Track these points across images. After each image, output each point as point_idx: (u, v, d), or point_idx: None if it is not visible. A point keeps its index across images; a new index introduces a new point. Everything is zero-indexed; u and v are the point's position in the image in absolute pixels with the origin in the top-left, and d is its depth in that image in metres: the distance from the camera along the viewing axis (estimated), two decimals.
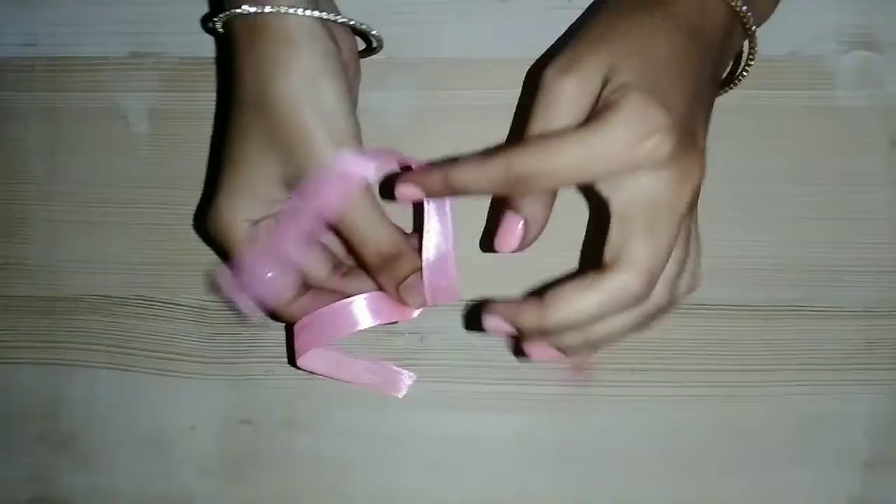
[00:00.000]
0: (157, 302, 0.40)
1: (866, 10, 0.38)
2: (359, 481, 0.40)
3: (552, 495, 0.40)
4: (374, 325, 0.34)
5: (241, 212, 0.33)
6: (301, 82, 0.31)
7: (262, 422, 0.40)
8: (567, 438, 0.40)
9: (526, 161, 0.28)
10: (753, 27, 0.32)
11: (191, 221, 0.40)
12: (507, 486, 0.40)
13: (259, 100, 0.32)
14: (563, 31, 0.39)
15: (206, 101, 0.39)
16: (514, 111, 0.39)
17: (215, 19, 0.33)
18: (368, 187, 0.33)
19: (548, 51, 0.38)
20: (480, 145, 0.38)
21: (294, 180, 0.32)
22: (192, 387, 0.40)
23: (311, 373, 0.36)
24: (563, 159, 0.28)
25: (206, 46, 0.39)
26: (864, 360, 0.39)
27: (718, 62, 0.32)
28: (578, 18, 0.38)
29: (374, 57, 0.38)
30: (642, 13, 0.30)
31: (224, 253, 0.34)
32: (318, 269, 0.35)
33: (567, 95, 0.29)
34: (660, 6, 0.31)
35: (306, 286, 0.35)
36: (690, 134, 0.29)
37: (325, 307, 0.34)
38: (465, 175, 0.30)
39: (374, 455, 0.40)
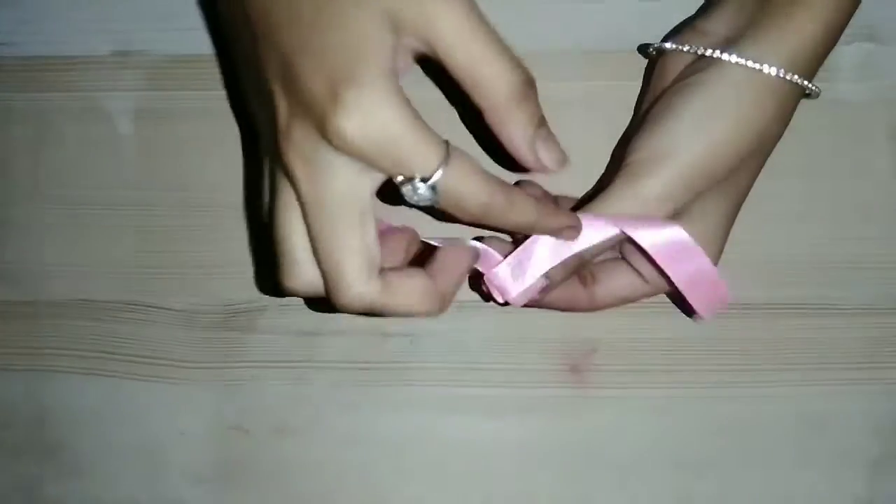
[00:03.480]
0: (145, 306, 0.40)
1: (867, 1, 0.37)
2: (352, 487, 0.40)
3: (550, 499, 0.40)
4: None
5: (391, 82, 0.26)
6: None
7: (253, 427, 0.40)
8: (565, 441, 0.39)
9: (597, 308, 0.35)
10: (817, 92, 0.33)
11: (179, 223, 0.39)
12: (504, 490, 0.40)
13: None
14: (555, 25, 0.38)
15: (193, 99, 0.39)
16: None
17: None
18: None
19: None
20: (472, 143, 0.38)
21: (400, 20, 0.26)
22: (181, 392, 0.40)
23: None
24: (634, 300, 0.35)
25: (192, 44, 0.39)
26: (868, 359, 0.39)
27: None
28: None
29: None
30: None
31: (384, 163, 0.27)
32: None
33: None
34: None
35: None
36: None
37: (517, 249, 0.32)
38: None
39: (367, 460, 0.40)
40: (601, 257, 0.35)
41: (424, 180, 0.27)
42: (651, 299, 0.37)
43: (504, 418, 0.39)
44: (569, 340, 0.39)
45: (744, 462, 0.39)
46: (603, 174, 0.38)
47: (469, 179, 0.27)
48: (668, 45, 0.34)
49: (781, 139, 0.38)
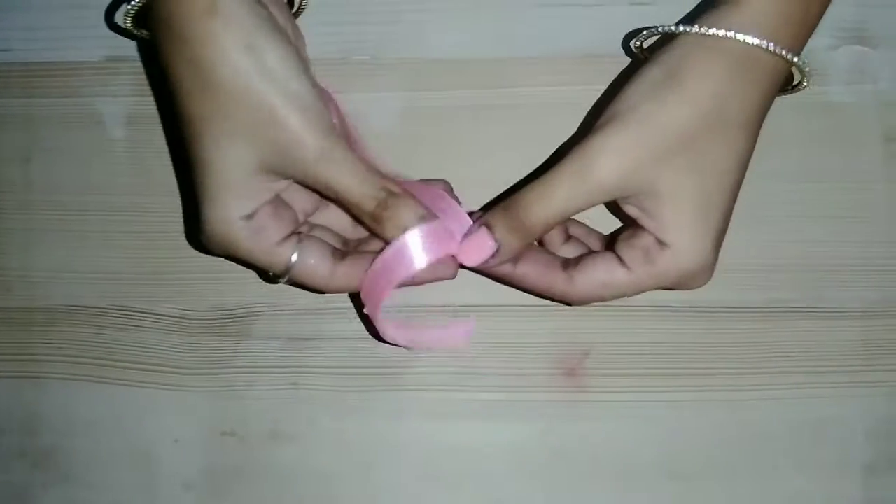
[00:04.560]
0: (137, 312, 0.39)
1: (859, 3, 0.38)
2: (346, 493, 0.39)
3: None
4: (430, 261, 0.33)
5: (232, 215, 0.31)
6: (240, 51, 0.29)
7: (246, 433, 0.39)
8: (561, 446, 0.39)
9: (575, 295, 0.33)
10: (808, 70, 0.32)
11: (171, 228, 0.39)
12: (500, 495, 0.39)
13: (204, 84, 0.30)
14: (549, 30, 0.38)
15: None
16: (500, 111, 0.38)
17: (125, 16, 0.32)
18: (336, 125, 0.32)
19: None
20: (467, 146, 0.38)
21: (272, 160, 0.31)
22: (174, 399, 0.39)
23: (394, 345, 0.36)
24: (614, 292, 0.33)
25: None
26: (864, 362, 0.39)
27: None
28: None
29: (358, 57, 0.38)
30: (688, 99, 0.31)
31: (238, 260, 0.33)
32: (329, 238, 0.35)
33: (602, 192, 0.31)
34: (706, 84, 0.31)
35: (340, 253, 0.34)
36: (717, 258, 0.33)
37: (377, 259, 0.33)
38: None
39: (362, 466, 0.39)
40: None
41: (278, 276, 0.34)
42: (646, 303, 0.37)
43: (498, 423, 0.39)
44: (563, 344, 0.39)
45: (740, 467, 0.39)
46: None
47: (313, 275, 0.33)
48: (644, 32, 0.34)
49: (774, 143, 0.38)
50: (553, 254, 0.35)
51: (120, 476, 0.40)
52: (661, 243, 0.32)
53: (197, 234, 0.33)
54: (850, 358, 0.39)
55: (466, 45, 0.38)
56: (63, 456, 0.40)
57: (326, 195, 0.32)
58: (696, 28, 0.31)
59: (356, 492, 0.39)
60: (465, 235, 0.33)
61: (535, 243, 0.35)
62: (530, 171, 0.38)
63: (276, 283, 0.34)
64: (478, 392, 0.39)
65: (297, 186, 0.33)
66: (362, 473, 0.39)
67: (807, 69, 0.32)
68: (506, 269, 0.34)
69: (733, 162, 0.32)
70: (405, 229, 0.32)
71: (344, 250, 0.34)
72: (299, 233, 0.34)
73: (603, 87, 0.38)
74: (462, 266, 0.34)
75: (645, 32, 0.34)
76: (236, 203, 0.31)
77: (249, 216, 0.32)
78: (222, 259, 0.38)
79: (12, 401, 0.40)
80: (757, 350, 0.39)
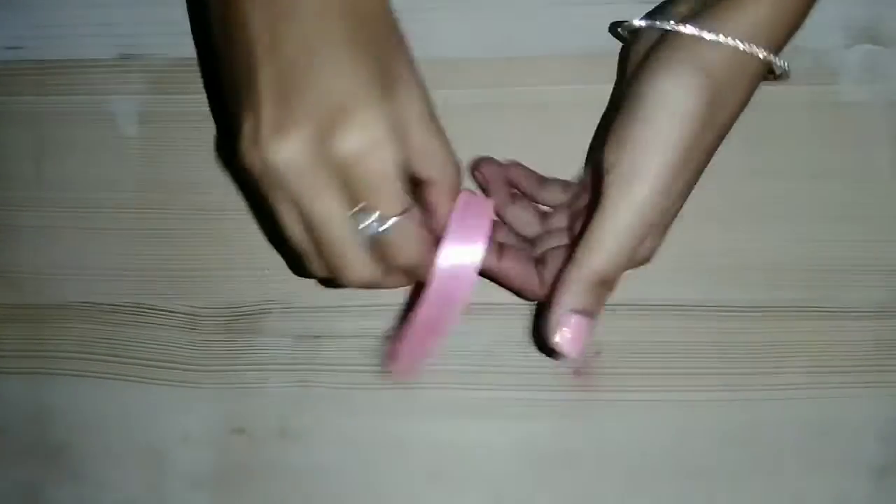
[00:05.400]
0: (148, 309, 0.39)
1: (871, 3, 0.38)
2: (355, 490, 0.39)
3: (554, 503, 0.39)
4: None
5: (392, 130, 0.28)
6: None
7: (255, 431, 0.39)
8: (570, 445, 0.39)
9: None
10: (787, 69, 0.32)
11: (183, 226, 0.39)
12: (509, 494, 0.39)
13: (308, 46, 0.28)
14: (555, 28, 0.38)
15: (197, 102, 0.39)
16: (505, 110, 0.38)
17: None
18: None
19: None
20: (472, 145, 0.38)
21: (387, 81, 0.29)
22: (184, 396, 0.39)
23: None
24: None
25: (195, 48, 0.39)
26: (874, 362, 0.38)
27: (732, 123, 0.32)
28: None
29: None
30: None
31: (357, 188, 0.29)
32: None
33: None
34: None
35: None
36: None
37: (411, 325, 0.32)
38: None
39: (370, 463, 0.39)
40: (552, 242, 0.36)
41: (381, 218, 0.29)
42: (657, 302, 0.37)
43: (508, 422, 0.39)
44: None
45: (749, 466, 0.39)
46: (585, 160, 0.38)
47: (413, 239, 0.30)
48: (635, 22, 0.33)
49: (785, 142, 0.38)
50: (523, 247, 0.36)
51: (130, 472, 0.40)
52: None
53: (326, 137, 0.28)
54: (860, 358, 0.38)
55: (471, 45, 0.38)
56: (73, 452, 0.40)
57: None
58: (701, 32, 0.30)
59: (365, 489, 0.39)
60: (562, 326, 0.32)
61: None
62: (543, 169, 0.38)
63: (356, 241, 0.30)
64: (487, 390, 0.39)
65: None
66: (371, 471, 0.39)
67: (789, 71, 0.32)
68: (490, 261, 0.34)
69: (704, 162, 0.32)
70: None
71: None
72: None
73: (607, 87, 0.38)
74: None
75: (630, 24, 0.33)
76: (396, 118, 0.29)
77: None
78: (233, 257, 0.39)
79: (23, 397, 0.40)
80: (767, 350, 0.38)
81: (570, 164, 0.38)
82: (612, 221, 0.31)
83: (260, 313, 0.39)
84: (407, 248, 0.31)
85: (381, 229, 0.30)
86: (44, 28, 0.39)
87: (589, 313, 0.31)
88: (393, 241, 0.30)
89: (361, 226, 0.29)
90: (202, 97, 0.39)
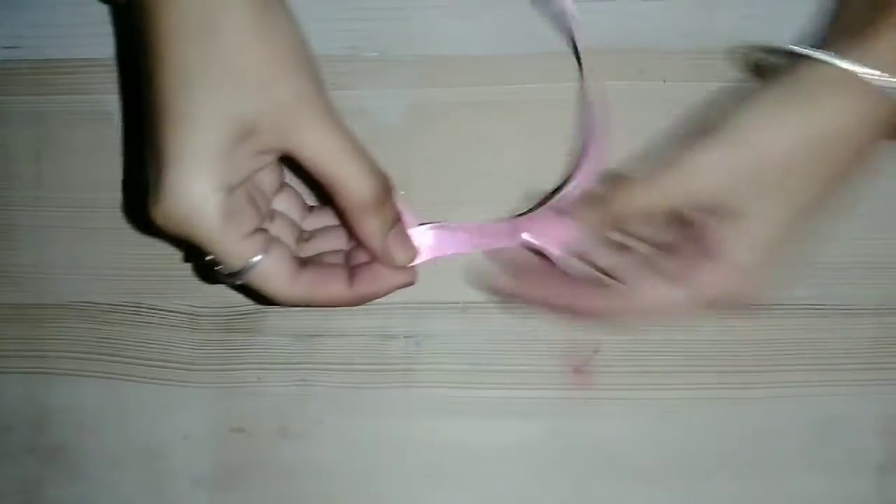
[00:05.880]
0: (147, 308, 0.39)
1: None
2: (354, 490, 0.39)
3: (554, 502, 0.39)
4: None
5: (209, 185, 0.27)
6: (253, 3, 0.27)
7: (255, 430, 0.39)
8: (571, 444, 0.39)
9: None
10: None
11: None
12: (508, 494, 0.39)
13: (206, 28, 0.27)
14: (557, 28, 0.38)
15: None
16: (508, 107, 0.38)
17: None
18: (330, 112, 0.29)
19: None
20: (475, 143, 0.38)
21: (272, 120, 0.27)
22: (184, 395, 0.39)
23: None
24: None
25: None
26: (876, 360, 0.38)
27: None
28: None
29: (367, 54, 0.38)
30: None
31: (191, 244, 0.29)
32: (287, 235, 0.32)
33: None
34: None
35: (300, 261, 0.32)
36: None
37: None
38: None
39: (370, 463, 0.39)
40: None
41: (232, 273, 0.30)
42: None
43: (507, 420, 0.39)
44: (573, 341, 0.39)
45: (751, 465, 0.39)
46: None
47: (273, 280, 0.30)
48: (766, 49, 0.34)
49: None
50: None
51: (129, 472, 0.40)
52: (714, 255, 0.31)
53: (153, 203, 0.28)
54: (862, 356, 0.38)
55: (475, 42, 0.38)
56: (72, 452, 0.40)
57: (317, 173, 0.29)
58: (826, 57, 0.29)
59: (364, 489, 0.39)
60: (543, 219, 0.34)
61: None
62: (538, 167, 0.38)
63: (220, 282, 0.31)
64: (487, 389, 0.39)
65: (267, 168, 0.31)
66: (370, 470, 0.39)
67: None
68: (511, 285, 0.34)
69: (816, 204, 0.31)
70: (392, 225, 0.31)
71: (303, 258, 0.32)
72: (264, 230, 0.31)
73: (610, 83, 0.38)
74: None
75: (767, 49, 0.33)
76: (218, 170, 0.27)
77: (229, 190, 0.28)
78: None
79: (22, 397, 0.40)
80: (769, 347, 0.38)
81: (565, 161, 0.38)
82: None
83: (259, 312, 0.39)
84: (272, 293, 0.30)
85: (233, 281, 0.30)
86: (42, 27, 0.39)
87: (568, 215, 0.32)
88: (255, 287, 0.30)
89: (224, 277, 0.30)
90: None
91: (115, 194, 0.39)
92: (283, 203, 0.33)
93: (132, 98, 0.38)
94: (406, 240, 0.32)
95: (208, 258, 0.30)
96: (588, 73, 0.36)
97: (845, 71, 0.29)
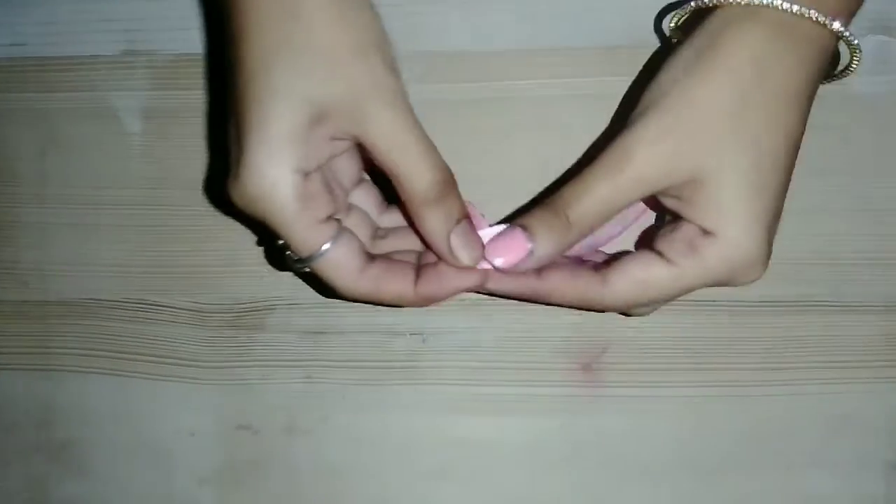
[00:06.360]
0: (153, 305, 0.39)
1: None
2: (361, 487, 0.39)
3: (561, 499, 0.39)
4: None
5: (287, 166, 0.28)
6: None
7: (261, 427, 0.39)
8: (578, 442, 0.39)
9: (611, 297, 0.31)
10: (856, 42, 0.30)
11: (187, 222, 0.39)
12: (515, 491, 0.39)
13: (291, 10, 0.27)
14: (564, 21, 0.38)
15: (201, 99, 0.39)
16: (514, 103, 0.38)
17: None
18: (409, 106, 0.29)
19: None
20: (481, 139, 0.38)
21: (348, 105, 0.28)
22: (190, 392, 0.39)
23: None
24: (656, 291, 0.31)
25: (200, 43, 0.39)
26: (887, 357, 0.38)
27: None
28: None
29: None
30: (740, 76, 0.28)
31: (265, 227, 0.29)
32: (361, 229, 0.32)
33: (648, 180, 0.29)
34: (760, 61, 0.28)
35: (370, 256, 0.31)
36: (770, 247, 0.30)
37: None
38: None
39: (376, 460, 0.39)
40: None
41: (300, 258, 0.30)
42: None
43: (515, 417, 0.39)
44: (581, 339, 0.38)
45: (759, 462, 0.38)
46: None
47: (340, 270, 0.30)
48: (678, 10, 0.32)
49: None
50: (579, 259, 0.33)
51: (135, 469, 0.40)
52: (705, 232, 0.29)
53: (231, 182, 0.29)
54: (871, 353, 0.38)
55: (476, 38, 0.38)
56: (78, 449, 0.40)
57: (382, 161, 0.29)
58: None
59: (370, 486, 0.39)
60: (498, 235, 0.31)
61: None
62: (544, 163, 0.38)
63: (289, 269, 0.31)
64: (494, 386, 0.39)
65: (344, 157, 0.31)
66: (376, 467, 0.39)
67: (854, 42, 0.30)
68: (531, 283, 0.31)
69: (780, 138, 0.29)
70: (456, 221, 0.30)
71: (374, 254, 0.32)
72: (338, 220, 0.31)
73: (618, 79, 0.38)
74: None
75: (679, 10, 0.32)
76: (295, 153, 0.28)
77: (306, 173, 0.28)
78: (238, 253, 0.39)
79: (28, 394, 0.40)
80: (777, 345, 0.38)
81: (570, 158, 0.38)
82: (606, 176, 0.30)
83: (265, 309, 0.39)
84: (339, 284, 0.30)
85: (301, 267, 0.30)
86: (47, 24, 0.39)
87: (526, 230, 0.30)
88: (321, 276, 0.30)
89: (292, 263, 0.30)
90: (206, 93, 0.39)
91: (120, 191, 0.39)
92: (360, 197, 0.33)
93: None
94: (472, 238, 0.31)
95: (280, 243, 0.30)
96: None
97: (753, 5, 0.28)
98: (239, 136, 0.28)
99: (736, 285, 0.31)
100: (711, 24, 0.30)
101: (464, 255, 0.30)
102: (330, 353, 0.39)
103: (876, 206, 0.38)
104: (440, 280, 0.31)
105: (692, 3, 0.30)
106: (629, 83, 0.37)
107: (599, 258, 0.34)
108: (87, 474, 0.40)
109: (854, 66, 0.32)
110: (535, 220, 0.30)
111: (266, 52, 0.28)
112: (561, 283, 0.31)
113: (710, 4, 0.30)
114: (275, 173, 0.28)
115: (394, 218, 0.34)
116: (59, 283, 0.40)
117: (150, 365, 0.39)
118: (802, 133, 0.30)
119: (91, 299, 0.40)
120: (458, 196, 0.31)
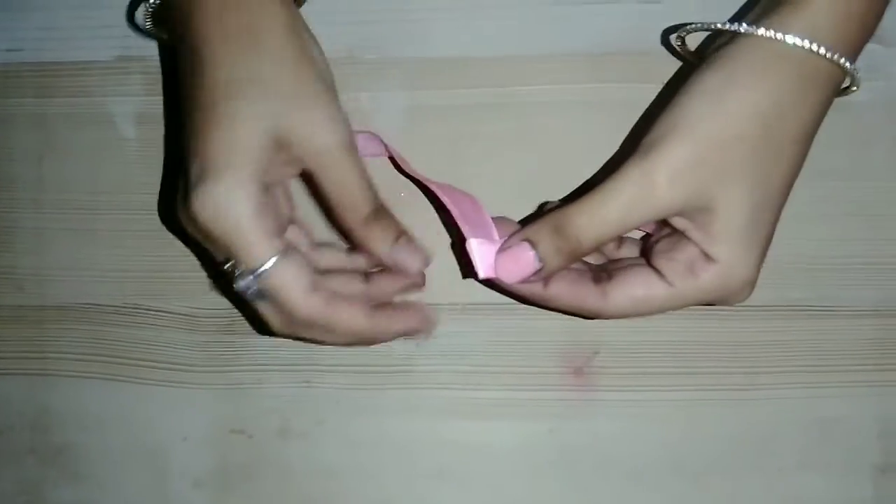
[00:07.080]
0: (148, 310, 0.40)
1: None
2: (355, 490, 0.39)
3: (554, 502, 0.39)
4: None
5: (247, 182, 0.29)
6: (289, 28, 0.30)
7: (255, 431, 0.39)
8: (570, 445, 0.39)
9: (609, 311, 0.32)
10: (858, 76, 0.31)
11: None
12: (508, 495, 0.39)
13: (252, 45, 0.30)
14: (556, 28, 0.38)
15: None
16: (506, 110, 0.38)
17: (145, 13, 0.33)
18: (352, 140, 0.31)
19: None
20: (473, 145, 0.38)
21: (298, 135, 0.30)
22: (184, 396, 0.39)
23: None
24: (652, 307, 0.32)
25: None
26: (875, 361, 0.38)
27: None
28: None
29: (365, 56, 0.38)
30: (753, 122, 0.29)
31: (221, 246, 0.30)
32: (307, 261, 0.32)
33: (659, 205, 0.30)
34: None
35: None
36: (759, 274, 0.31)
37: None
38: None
39: (370, 463, 0.39)
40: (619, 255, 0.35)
41: (251, 272, 0.30)
42: None
43: (508, 421, 0.39)
44: (572, 343, 0.39)
45: (749, 466, 0.38)
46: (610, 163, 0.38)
47: (291, 284, 0.30)
48: (688, 27, 0.32)
49: None
50: (581, 267, 0.33)
51: (130, 473, 0.40)
52: (707, 257, 0.30)
53: (190, 196, 0.29)
54: (860, 357, 0.38)
55: (473, 44, 0.38)
56: (73, 453, 0.40)
57: (324, 189, 0.31)
58: (757, 30, 0.29)
59: (365, 490, 0.39)
60: (504, 249, 0.31)
61: None
62: (536, 169, 0.38)
63: (232, 292, 0.31)
64: (487, 390, 0.39)
65: (282, 188, 0.33)
66: (371, 471, 0.39)
67: (858, 75, 0.31)
68: (535, 289, 0.32)
69: (786, 178, 0.31)
70: (395, 237, 0.32)
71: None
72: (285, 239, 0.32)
73: (615, 86, 0.38)
74: (483, 281, 0.32)
75: (689, 27, 0.32)
76: (255, 170, 0.29)
77: (265, 188, 0.30)
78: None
79: (23, 398, 0.40)
80: (768, 349, 0.38)
81: (573, 164, 0.38)
82: (615, 185, 0.30)
83: None
84: (290, 301, 0.30)
85: (251, 286, 0.30)
86: (43, 30, 0.39)
87: (535, 245, 0.31)
88: (270, 293, 0.30)
89: (238, 287, 0.30)
90: None
91: (117, 196, 0.39)
92: (294, 234, 0.34)
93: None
94: (412, 248, 0.33)
95: (228, 264, 0.30)
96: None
97: (782, 42, 0.29)
98: (197, 151, 0.30)
99: (723, 305, 0.34)
100: (736, 52, 0.30)
101: (409, 265, 0.32)
102: (325, 357, 0.39)
103: (865, 211, 0.38)
104: (393, 315, 0.33)
105: (713, 25, 0.31)
106: (627, 90, 0.38)
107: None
108: (83, 478, 0.40)
109: (855, 88, 0.32)
110: (545, 238, 0.31)
111: (230, 83, 0.29)
112: (562, 292, 0.32)
113: (733, 31, 0.30)
114: (236, 183, 0.29)
115: (327, 258, 0.35)
116: (55, 287, 0.40)
117: (145, 370, 0.40)
118: (801, 168, 0.31)
119: (87, 304, 0.40)
120: (393, 217, 0.33)
